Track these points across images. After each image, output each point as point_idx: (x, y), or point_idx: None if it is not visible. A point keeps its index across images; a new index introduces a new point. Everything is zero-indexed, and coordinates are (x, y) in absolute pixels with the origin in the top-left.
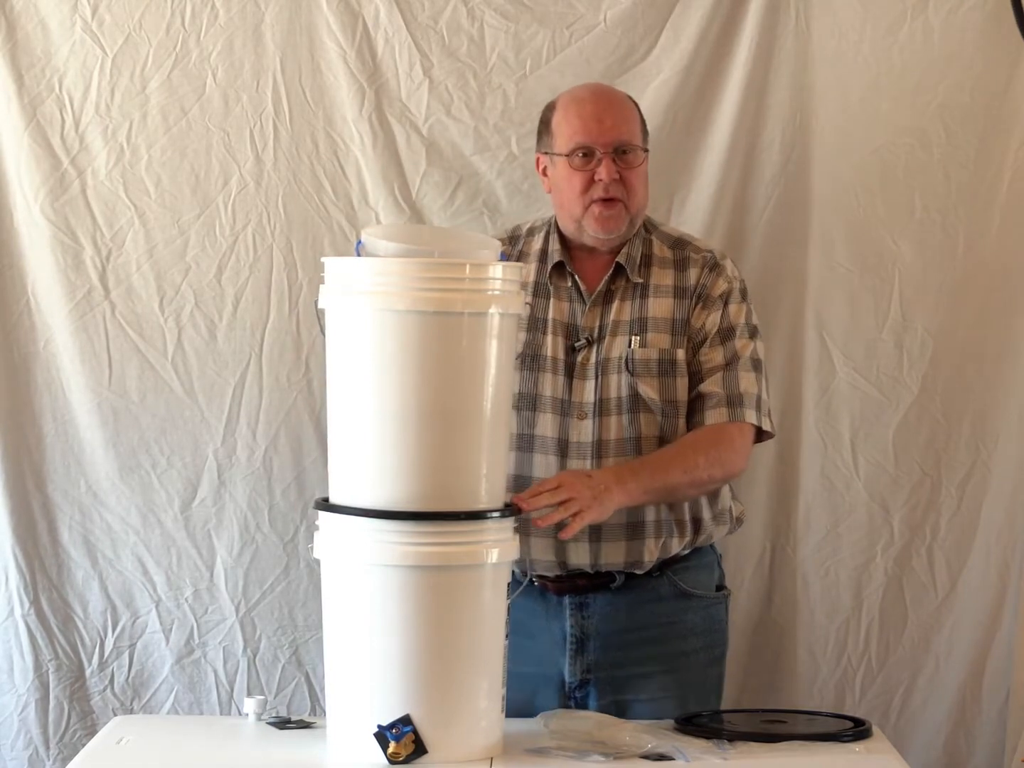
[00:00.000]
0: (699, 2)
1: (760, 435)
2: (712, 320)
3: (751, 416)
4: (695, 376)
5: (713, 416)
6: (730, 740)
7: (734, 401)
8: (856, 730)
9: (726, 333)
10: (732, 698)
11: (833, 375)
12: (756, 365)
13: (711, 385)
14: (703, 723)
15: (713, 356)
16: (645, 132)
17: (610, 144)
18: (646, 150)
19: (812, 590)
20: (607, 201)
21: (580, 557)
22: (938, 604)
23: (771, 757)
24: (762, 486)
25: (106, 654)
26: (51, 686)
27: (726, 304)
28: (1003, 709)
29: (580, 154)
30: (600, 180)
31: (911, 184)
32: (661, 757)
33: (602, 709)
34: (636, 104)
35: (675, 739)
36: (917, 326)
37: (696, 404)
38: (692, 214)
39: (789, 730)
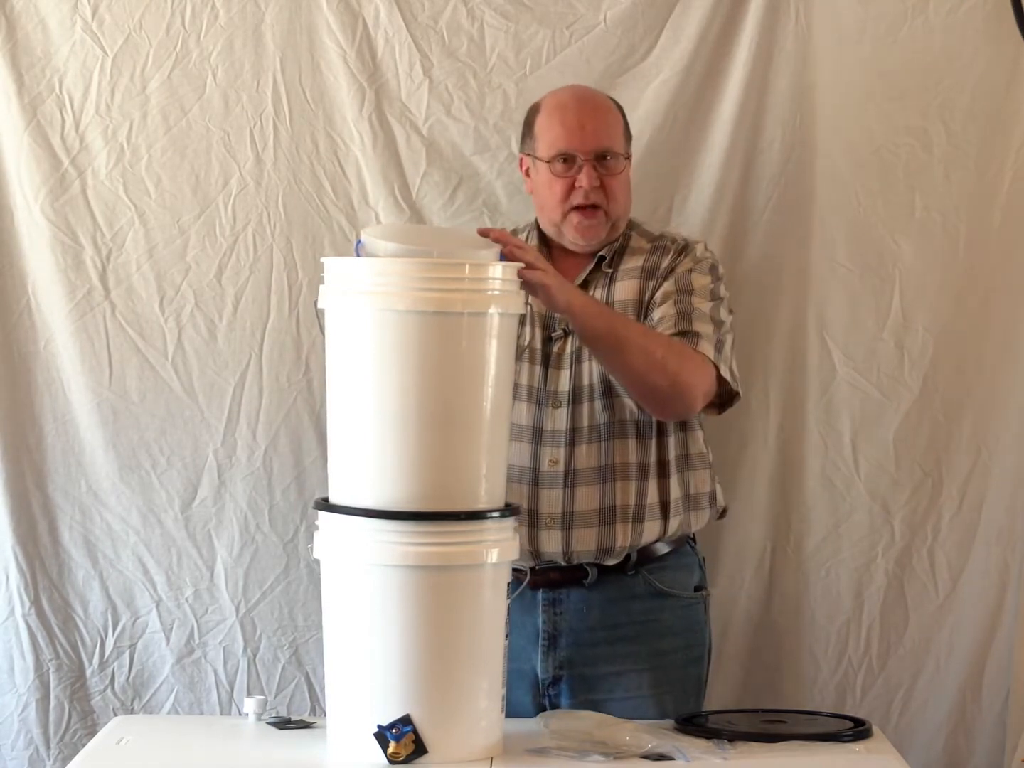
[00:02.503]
0: (699, 2)
1: (720, 387)
2: (667, 286)
3: (707, 350)
4: None
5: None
6: (730, 740)
7: (688, 334)
8: (856, 730)
9: (683, 293)
10: (732, 698)
11: (833, 375)
12: (716, 322)
13: (665, 324)
14: (703, 723)
15: (666, 311)
16: (628, 138)
17: (591, 151)
18: (628, 156)
19: (812, 591)
20: (587, 209)
21: (552, 545)
22: (939, 604)
23: (771, 757)
24: (762, 486)
25: (106, 654)
26: (51, 686)
27: (688, 274)
28: (1003, 709)
29: (561, 160)
30: (580, 187)
31: (911, 184)
32: (661, 757)
33: (575, 707)
34: (620, 108)
35: (675, 739)
36: (918, 326)
37: None
38: (692, 214)
39: (789, 730)
